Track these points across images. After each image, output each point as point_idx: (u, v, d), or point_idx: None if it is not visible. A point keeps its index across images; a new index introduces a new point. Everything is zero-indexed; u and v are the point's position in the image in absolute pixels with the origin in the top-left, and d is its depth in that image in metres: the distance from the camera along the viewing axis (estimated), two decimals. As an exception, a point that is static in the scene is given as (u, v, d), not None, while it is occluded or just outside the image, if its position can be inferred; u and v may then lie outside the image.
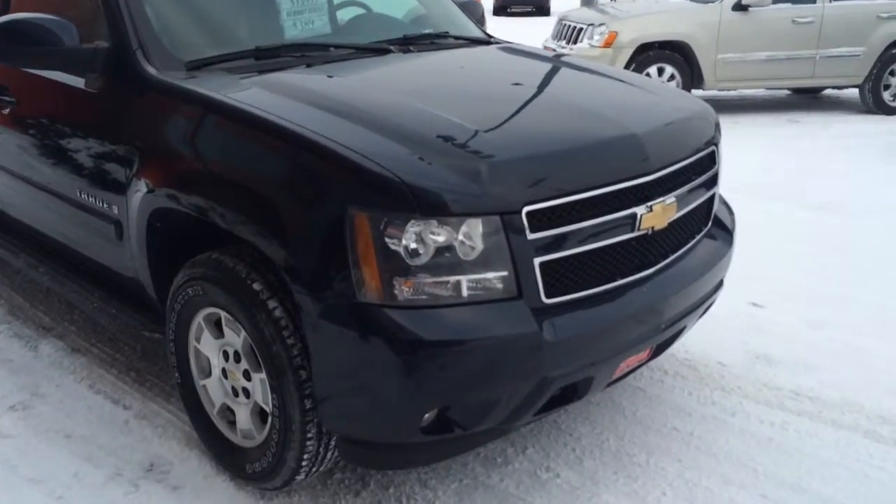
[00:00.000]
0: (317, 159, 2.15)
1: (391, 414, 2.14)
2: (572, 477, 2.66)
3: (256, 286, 2.30)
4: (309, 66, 2.84)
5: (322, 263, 2.12)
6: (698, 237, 2.72)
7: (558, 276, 2.21)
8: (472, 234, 2.07)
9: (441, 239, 2.06)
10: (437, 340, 2.06)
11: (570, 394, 2.34)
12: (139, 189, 2.60)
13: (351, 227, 2.05)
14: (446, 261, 2.08)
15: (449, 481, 2.63)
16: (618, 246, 2.34)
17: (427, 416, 2.14)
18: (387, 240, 2.04)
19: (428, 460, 2.36)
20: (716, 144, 2.81)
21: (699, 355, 3.45)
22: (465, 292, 2.09)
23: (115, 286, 3.04)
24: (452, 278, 2.08)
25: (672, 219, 2.47)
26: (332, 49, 3.00)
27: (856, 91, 9.51)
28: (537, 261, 2.15)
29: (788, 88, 10.20)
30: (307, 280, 2.13)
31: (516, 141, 2.28)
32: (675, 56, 8.84)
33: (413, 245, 2.04)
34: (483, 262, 2.10)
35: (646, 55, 8.79)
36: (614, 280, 2.35)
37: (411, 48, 3.15)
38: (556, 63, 3.29)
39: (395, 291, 2.06)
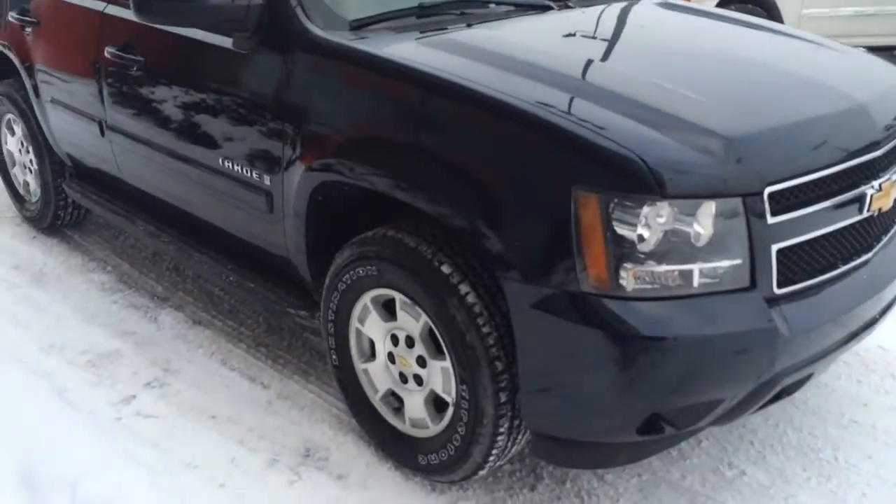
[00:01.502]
0: (538, 134, 1.94)
1: (610, 414, 1.97)
2: (759, 475, 2.48)
3: (445, 269, 2.11)
4: (469, 25, 2.61)
5: (538, 248, 1.92)
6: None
7: (790, 264, 2.00)
8: (709, 218, 1.86)
9: (676, 223, 1.85)
10: (669, 337, 1.86)
11: (784, 392, 2.15)
12: (299, 160, 2.41)
13: (576, 210, 1.85)
14: (678, 248, 1.87)
15: (627, 476, 2.46)
16: (845, 229, 2.12)
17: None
18: (616, 223, 1.84)
19: (628, 460, 2.18)
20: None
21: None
22: (696, 282, 1.89)
23: (252, 260, 2.87)
24: (684, 267, 1.88)
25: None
26: (492, 5, 2.76)
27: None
28: (775, 247, 1.94)
29: (865, 46, 9.74)
30: (518, 266, 1.94)
31: (750, 115, 2.05)
32: (758, 10, 8.44)
33: (644, 230, 1.84)
34: (718, 249, 1.89)
35: (728, 8, 8.39)
36: (837, 266, 2.13)
37: (569, 3, 2.91)
38: (725, 19, 3.03)
39: (622, 281, 1.86)
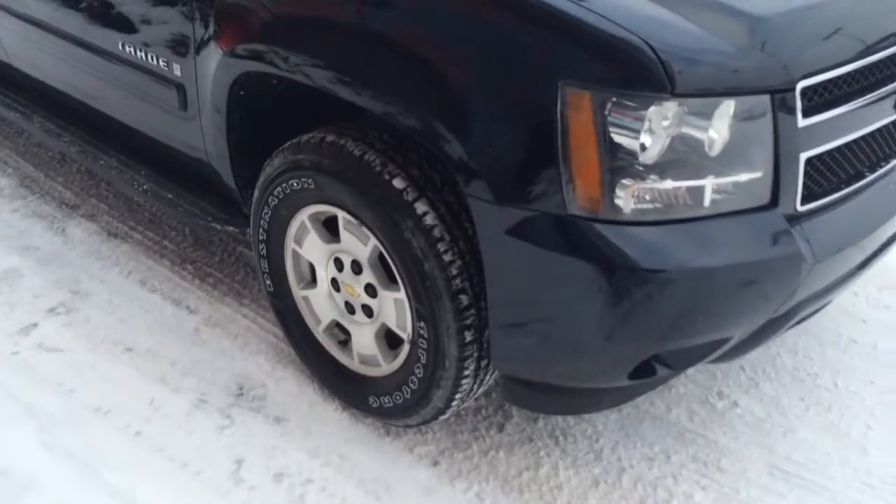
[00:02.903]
0: (516, 14, 1.51)
1: (597, 358, 1.64)
2: (753, 406, 2.22)
3: (398, 183, 1.72)
4: None
5: (513, 160, 1.53)
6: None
7: (817, 176, 1.65)
8: (727, 121, 1.49)
9: (687, 128, 1.47)
10: (673, 269, 1.51)
11: (796, 322, 1.84)
12: (214, 42, 1.94)
13: (563, 111, 1.45)
14: (688, 158, 1.50)
15: (606, 412, 2.18)
16: (877, 131, 1.77)
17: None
18: (613, 129, 1.45)
19: (613, 404, 1.88)
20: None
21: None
22: (706, 201, 1.53)
23: (169, 165, 2.42)
24: (694, 182, 1.51)
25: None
26: None
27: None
28: (804, 156, 1.58)
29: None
30: (489, 181, 1.55)
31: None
32: None
33: (647, 137, 1.45)
34: (735, 159, 1.53)
35: None
36: (864, 176, 1.79)
37: None
38: None
39: (618, 201, 1.49)
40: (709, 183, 1.52)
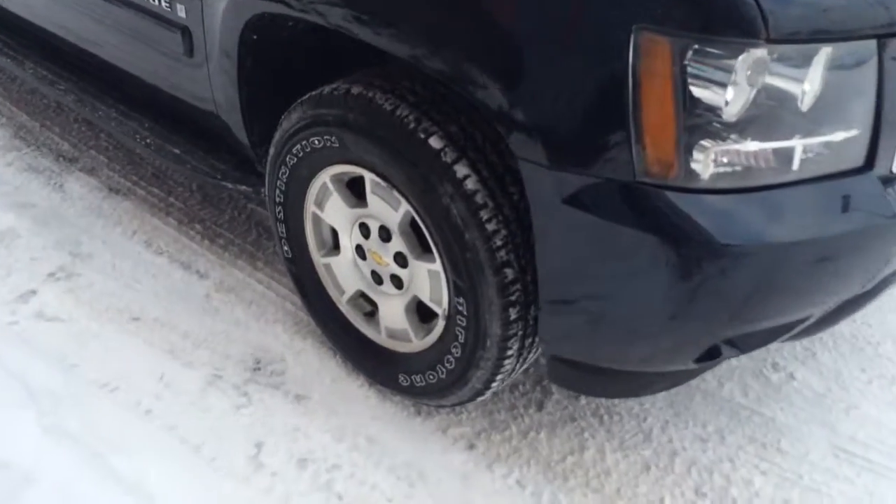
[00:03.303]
0: None
1: (661, 339, 1.46)
2: (811, 379, 2.05)
3: (434, 143, 1.52)
4: None
5: (573, 117, 1.33)
6: None
7: (916, 133, 1.44)
8: (825, 71, 1.27)
9: (777, 79, 1.26)
10: (756, 244, 1.32)
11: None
12: (223, -20, 1.72)
13: (636, 60, 1.24)
14: (776, 115, 1.29)
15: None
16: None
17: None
18: (693, 81, 1.24)
19: (670, 385, 1.71)
20: None
21: None
22: (796, 164, 1.33)
23: (175, 117, 2.22)
24: (782, 144, 1.31)
25: None
26: None
27: None
28: (908, 111, 1.37)
29: None
30: (542, 142, 1.35)
31: None
32: None
33: (730, 90, 1.25)
34: (830, 115, 1.32)
35: None
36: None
37: None
38: None
39: (696, 165, 1.29)
40: (798, 143, 1.31)
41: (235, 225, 2.54)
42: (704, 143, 1.28)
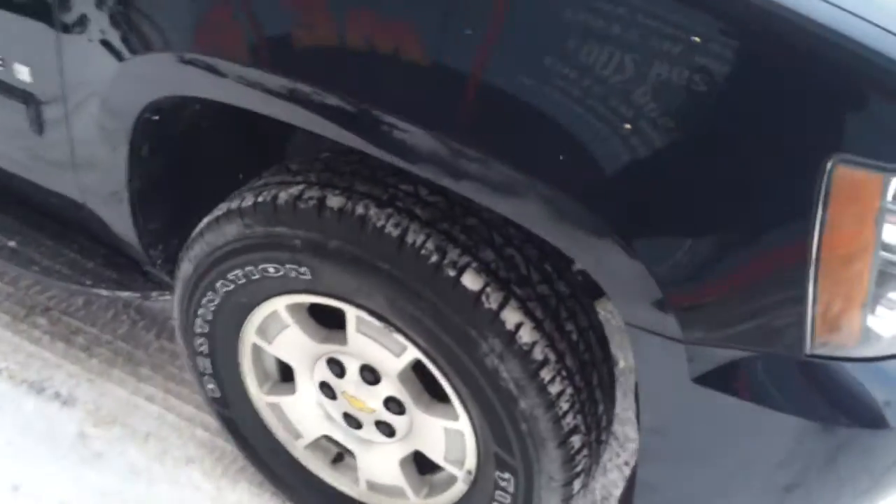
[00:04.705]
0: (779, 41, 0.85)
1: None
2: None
3: (470, 281, 1.07)
4: None
5: (731, 277, 0.92)
6: None
7: None
8: None
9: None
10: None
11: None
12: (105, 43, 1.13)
13: (827, 196, 0.86)
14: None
15: None
16: None
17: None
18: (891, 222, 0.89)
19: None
20: None
21: None
22: None
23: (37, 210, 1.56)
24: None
25: None
26: None
27: None
28: None
29: None
30: (684, 311, 0.94)
31: None
32: None
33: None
34: None
35: None
36: None
37: None
38: None
39: (876, 325, 0.94)
40: None
41: (96, 312, 1.91)
42: (892, 296, 0.93)
